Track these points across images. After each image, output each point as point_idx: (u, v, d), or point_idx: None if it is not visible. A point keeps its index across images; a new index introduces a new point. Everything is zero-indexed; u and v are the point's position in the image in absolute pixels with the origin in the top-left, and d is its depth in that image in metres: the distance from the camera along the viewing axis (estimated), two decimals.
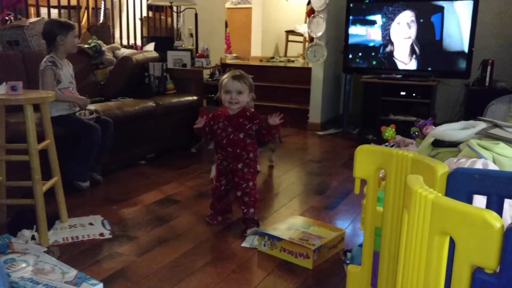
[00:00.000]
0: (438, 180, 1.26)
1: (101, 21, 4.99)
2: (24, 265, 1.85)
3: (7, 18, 3.49)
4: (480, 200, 1.28)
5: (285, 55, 7.53)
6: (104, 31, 4.41)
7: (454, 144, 1.64)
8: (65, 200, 2.42)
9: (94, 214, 2.52)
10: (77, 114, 2.97)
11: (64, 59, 2.99)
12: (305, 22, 6.95)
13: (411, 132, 2.42)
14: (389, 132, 2.38)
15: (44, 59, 2.88)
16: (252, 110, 2.38)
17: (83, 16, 5.18)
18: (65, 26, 2.92)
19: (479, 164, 1.40)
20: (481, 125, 1.62)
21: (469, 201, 1.23)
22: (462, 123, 1.70)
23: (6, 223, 2.31)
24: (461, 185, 1.23)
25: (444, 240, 0.96)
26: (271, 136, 2.34)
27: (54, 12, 4.47)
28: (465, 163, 1.43)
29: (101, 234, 2.28)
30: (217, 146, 2.39)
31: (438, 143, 1.70)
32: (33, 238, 2.15)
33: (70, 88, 2.99)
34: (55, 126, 2.34)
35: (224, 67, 5.66)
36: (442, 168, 1.27)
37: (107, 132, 3.04)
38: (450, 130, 1.64)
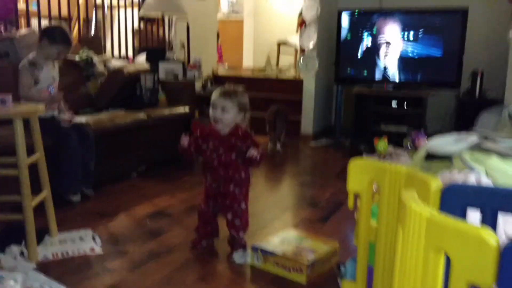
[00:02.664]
0: (432, 195, 1.26)
1: (92, 33, 4.97)
2: (12, 283, 1.81)
3: None
4: (474, 214, 1.27)
5: (277, 66, 7.56)
6: (95, 43, 4.40)
7: (447, 157, 1.65)
8: (55, 214, 2.38)
9: (84, 228, 2.48)
10: (55, 114, 2.93)
11: (49, 61, 2.96)
12: (297, 33, 6.98)
13: (404, 144, 2.42)
14: (381, 144, 2.38)
15: (26, 58, 2.88)
16: (245, 129, 2.18)
17: (74, 27, 5.17)
18: (55, 37, 2.87)
19: (472, 178, 1.40)
20: (473, 138, 1.62)
21: (464, 215, 1.22)
22: (454, 136, 1.70)
23: None
24: (455, 200, 1.22)
25: (440, 257, 0.95)
26: (251, 163, 2.14)
27: (45, 23, 4.45)
28: (458, 176, 1.43)
29: (92, 249, 2.25)
30: (205, 168, 2.22)
31: (431, 156, 1.71)
32: (22, 254, 2.11)
33: (50, 89, 2.95)
34: (29, 135, 2.26)
35: (216, 79, 5.66)
36: (436, 183, 1.26)
37: (87, 142, 2.99)
38: (443, 143, 1.64)
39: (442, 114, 4.94)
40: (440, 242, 0.93)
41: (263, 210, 2.89)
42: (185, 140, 2.19)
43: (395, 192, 1.45)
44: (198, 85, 4.83)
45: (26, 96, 2.82)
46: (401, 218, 1.07)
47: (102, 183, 3.25)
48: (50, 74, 2.97)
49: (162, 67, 4.43)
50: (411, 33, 4.61)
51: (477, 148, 1.57)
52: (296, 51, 7.33)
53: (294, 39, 7.12)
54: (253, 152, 2.09)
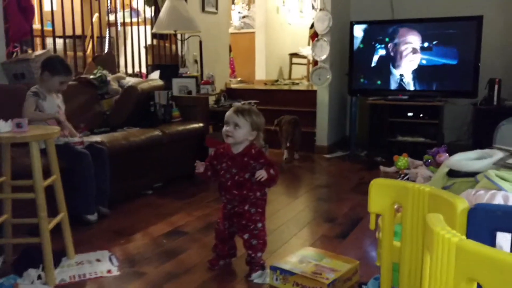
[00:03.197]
0: (458, 217, 1.21)
1: (106, 50, 5.01)
2: None
3: (13, 51, 3.50)
4: (504, 236, 1.22)
5: (289, 78, 7.55)
6: (109, 60, 4.43)
7: (471, 174, 1.60)
8: (72, 234, 2.37)
9: (101, 249, 2.47)
10: (65, 139, 2.94)
11: (52, 92, 2.98)
12: (308, 45, 6.98)
13: (424, 160, 2.37)
14: (401, 161, 2.34)
15: (29, 90, 2.91)
16: (258, 148, 2.16)
17: (88, 45, 5.22)
18: (55, 68, 2.90)
19: (499, 197, 1.35)
20: (498, 154, 1.57)
21: (493, 239, 1.18)
22: (477, 152, 1.66)
23: (11, 262, 2.26)
24: (484, 222, 1.18)
25: (471, 287, 0.91)
26: (264, 183, 2.10)
27: (59, 42, 4.50)
28: (484, 195, 1.38)
29: (109, 271, 2.23)
30: (221, 188, 2.21)
31: (453, 173, 1.66)
32: (39, 277, 2.10)
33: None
34: (44, 157, 2.24)
35: (229, 92, 5.66)
36: (462, 204, 1.22)
37: (100, 160, 2.99)
38: (466, 160, 1.60)
39: (459, 123, 4.87)
40: (471, 271, 0.89)
41: (280, 228, 2.85)
42: (200, 167, 2.18)
43: (419, 212, 1.41)
44: (211, 100, 4.83)
45: (31, 117, 2.81)
46: (428, 243, 1.03)
47: (118, 201, 3.25)
48: (54, 103, 2.99)
49: (176, 83, 4.45)
50: (425, 42, 4.57)
51: (502, 164, 1.52)
52: (308, 62, 7.33)
53: (306, 50, 7.12)
54: (260, 173, 2.06)
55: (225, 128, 2.13)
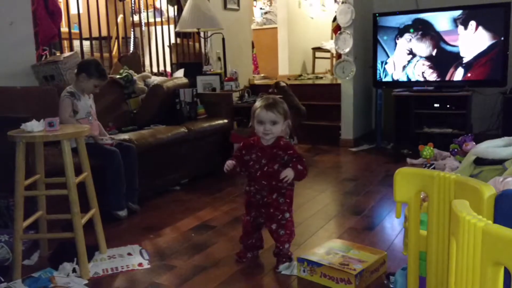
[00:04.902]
0: (485, 203, 1.21)
1: (131, 50, 5.10)
2: None
3: (42, 54, 3.61)
4: None
5: (313, 72, 7.52)
6: (134, 60, 4.51)
7: (498, 161, 1.58)
8: (103, 230, 2.44)
9: (132, 244, 2.54)
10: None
11: (86, 93, 3.07)
12: (331, 38, 6.93)
13: (450, 149, 2.34)
14: (427, 151, 2.32)
15: (64, 90, 2.99)
16: (287, 140, 2.21)
17: (113, 46, 5.32)
18: (92, 72, 2.98)
19: None
20: None
21: None
22: (504, 139, 1.63)
23: (47, 256, 2.35)
24: (511, 207, 1.17)
25: (498, 271, 0.91)
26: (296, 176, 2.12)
27: (86, 44, 4.60)
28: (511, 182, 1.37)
29: (140, 264, 2.29)
30: (249, 178, 2.24)
31: (480, 161, 1.64)
32: (74, 270, 2.17)
33: (89, 118, 3.05)
34: (76, 155, 2.31)
35: (252, 88, 5.69)
36: (489, 190, 1.21)
37: (129, 158, 3.06)
38: (493, 147, 1.58)
39: (488, 113, 4.77)
40: (498, 255, 0.89)
41: (307, 220, 2.86)
42: (231, 165, 2.19)
43: (445, 200, 1.40)
44: (235, 96, 4.86)
45: (66, 121, 2.91)
46: (454, 229, 1.04)
47: (147, 197, 3.33)
48: (87, 104, 3.08)
49: (200, 80, 4.50)
50: (451, 31, 4.49)
51: None
52: (331, 55, 7.29)
53: (329, 44, 7.08)
54: (286, 173, 2.09)
55: (260, 127, 2.13)
